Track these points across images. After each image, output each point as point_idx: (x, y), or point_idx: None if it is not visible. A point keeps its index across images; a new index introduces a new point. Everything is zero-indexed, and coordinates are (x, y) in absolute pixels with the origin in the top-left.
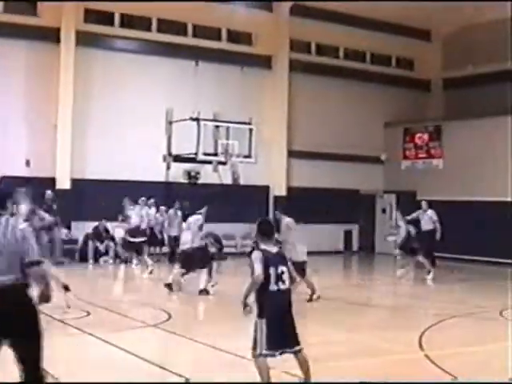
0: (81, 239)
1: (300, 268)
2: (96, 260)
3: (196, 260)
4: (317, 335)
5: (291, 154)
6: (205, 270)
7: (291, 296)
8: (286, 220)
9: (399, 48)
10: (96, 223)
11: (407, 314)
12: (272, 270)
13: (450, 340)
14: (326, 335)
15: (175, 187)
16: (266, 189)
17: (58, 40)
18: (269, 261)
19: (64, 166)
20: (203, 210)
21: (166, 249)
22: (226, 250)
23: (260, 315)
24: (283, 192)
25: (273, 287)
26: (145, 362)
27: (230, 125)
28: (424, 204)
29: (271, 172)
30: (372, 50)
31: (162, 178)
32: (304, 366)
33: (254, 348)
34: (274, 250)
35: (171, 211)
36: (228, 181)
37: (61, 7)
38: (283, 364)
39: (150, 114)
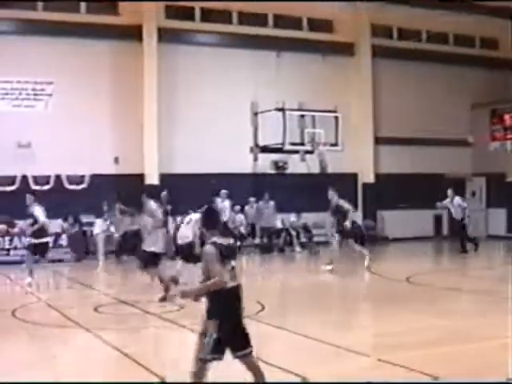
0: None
1: (152, 260)
2: None
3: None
4: (408, 321)
5: (378, 140)
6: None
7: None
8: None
9: (482, 28)
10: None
11: (498, 298)
12: (228, 265)
13: None
14: (417, 321)
15: (263, 178)
16: (354, 176)
17: (140, 38)
18: (223, 255)
19: (152, 161)
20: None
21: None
22: (316, 239)
23: (213, 316)
24: (371, 179)
25: (229, 284)
26: None
27: (315, 113)
28: (450, 192)
29: (358, 159)
30: (455, 32)
31: (249, 170)
32: (253, 368)
33: (200, 349)
34: (225, 241)
35: (261, 203)
36: (316, 170)
37: (141, 5)
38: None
39: (235, 107)
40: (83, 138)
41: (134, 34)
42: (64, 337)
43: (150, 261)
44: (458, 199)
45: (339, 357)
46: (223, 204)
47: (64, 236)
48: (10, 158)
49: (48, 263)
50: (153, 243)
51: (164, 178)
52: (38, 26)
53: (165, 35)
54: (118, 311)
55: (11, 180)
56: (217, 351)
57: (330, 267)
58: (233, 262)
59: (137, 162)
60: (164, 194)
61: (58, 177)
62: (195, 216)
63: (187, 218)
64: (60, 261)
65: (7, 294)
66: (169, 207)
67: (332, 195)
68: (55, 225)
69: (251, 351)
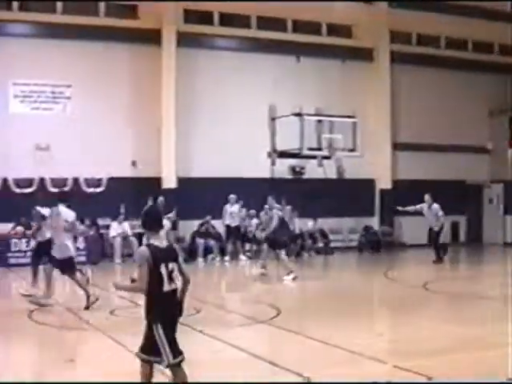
0: (188, 237)
1: (67, 265)
2: (204, 257)
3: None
4: (424, 328)
5: (396, 146)
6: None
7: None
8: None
9: (501, 34)
10: (201, 221)
11: None
12: (163, 269)
13: None
14: (433, 328)
15: (280, 183)
16: (372, 182)
17: (159, 42)
18: (157, 258)
19: (169, 165)
20: (173, 214)
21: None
22: (332, 244)
23: (154, 319)
24: (389, 185)
25: (166, 288)
26: (256, 359)
27: (333, 119)
28: (427, 197)
29: (376, 165)
30: (473, 38)
31: (266, 175)
32: (181, 379)
33: (166, 357)
34: (163, 244)
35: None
36: (333, 175)
37: (161, 9)
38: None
39: (253, 111)
40: (101, 140)
41: (152, 37)
42: (80, 339)
43: (67, 266)
44: (436, 206)
45: (354, 362)
46: (232, 209)
47: (81, 239)
48: (28, 160)
49: None
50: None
51: (181, 181)
52: (57, 29)
53: (183, 39)
54: (134, 314)
55: (29, 182)
56: (152, 353)
57: (263, 271)
58: (171, 265)
59: (154, 165)
60: (161, 199)
61: (75, 179)
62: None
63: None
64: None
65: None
66: (171, 215)
67: (271, 202)
68: None
69: (182, 360)
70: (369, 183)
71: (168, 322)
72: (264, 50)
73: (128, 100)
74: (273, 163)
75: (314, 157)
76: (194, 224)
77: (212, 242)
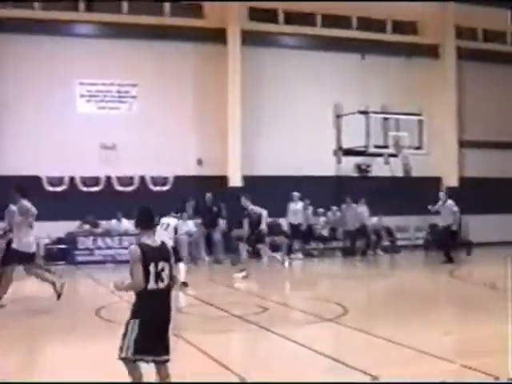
0: None
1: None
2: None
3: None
4: (491, 327)
5: (463, 143)
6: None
7: (170, 296)
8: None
9: None
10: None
11: None
12: (152, 267)
13: None
14: (501, 327)
15: (346, 181)
16: (438, 180)
17: (224, 40)
18: (148, 257)
19: (235, 163)
20: (179, 214)
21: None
22: (399, 242)
23: (134, 315)
24: (455, 183)
25: (151, 286)
26: (323, 357)
27: (399, 116)
28: (442, 195)
29: (442, 163)
30: None
31: (331, 173)
32: (163, 378)
33: (121, 349)
34: (155, 243)
35: (344, 206)
36: (399, 173)
37: (226, 8)
38: None
39: (318, 109)
40: (167, 139)
41: (218, 36)
42: None
43: (24, 260)
44: (450, 203)
45: (421, 361)
46: (296, 206)
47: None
48: (94, 159)
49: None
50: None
51: (247, 179)
52: (123, 29)
53: (249, 38)
54: (201, 312)
55: (95, 181)
56: (137, 352)
57: (243, 274)
58: (161, 264)
59: (220, 163)
60: (208, 195)
61: (141, 178)
62: (173, 221)
63: (164, 222)
64: None
65: (91, 294)
66: (215, 208)
67: (245, 202)
68: None
69: (167, 360)
70: (435, 181)
71: (150, 320)
72: (329, 47)
73: (193, 98)
74: (339, 161)
75: (379, 154)
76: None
77: (277, 240)
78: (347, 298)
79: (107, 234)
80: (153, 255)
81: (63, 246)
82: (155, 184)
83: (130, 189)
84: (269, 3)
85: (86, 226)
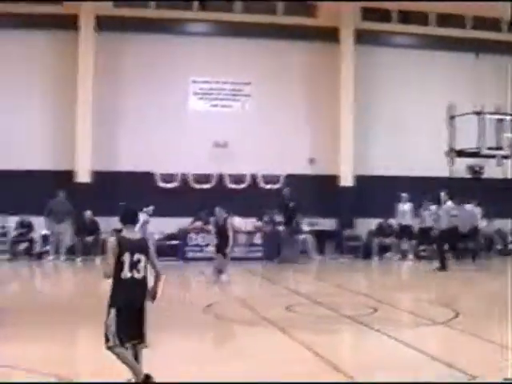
0: (364, 235)
1: None
2: (380, 255)
3: None
4: None
5: None
6: None
7: (146, 287)
8: None
9: None
10: (379, 220)
11: None
12: (126, 257)
13: None
14: None
15: (457, 182)
16: None
17: (337, 39)
18: (124, 247)
19: (347, 162)
20: (150, 208)
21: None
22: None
23: (111, 304)
24: None
25: (125, 275)
26: (433, 361)
27: None
28: (443, 195)
29: None
30: None
31: (442, 174)
32: (136, 363)
33: (107, 340)
34: (135, 236)
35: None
36: None
37: (339, 7)
38: None
39: (431, 109)
40: (278, 138)
41: (330, 35)
42: (256, 335)
43: None
44: (449, 204)
45: None
46: (404, 207)
47: (258, 234)
48: (206, 156)
49: (242, 261)
50: None
51: (358, 179)
52: (236, 27)
53: (362, 37)
54: (310, 311)
55: (207, 178)
56: (119, 338)
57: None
58: (137, 256)
59: (331, 162)
60: (286, 190)
61: (253, 176)
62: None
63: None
64: (253, 259)
65: (200, 290)
66: (291, 204)
67: (220, 212)
68: (249, 223)
69: (143, 347)
70: None
71: (124, 307)
72: (442, 46)
73: (305, 98)
74: (452, 163)
75: (493, 156)
76: (370, 222)
77: (388, 241)
78: (458, 300)
79: None
80: (129, 246)
81: (175, 242)
82: (266, 182)
83: (241, 186)
84: (382, 3)
85: (198, 223)
